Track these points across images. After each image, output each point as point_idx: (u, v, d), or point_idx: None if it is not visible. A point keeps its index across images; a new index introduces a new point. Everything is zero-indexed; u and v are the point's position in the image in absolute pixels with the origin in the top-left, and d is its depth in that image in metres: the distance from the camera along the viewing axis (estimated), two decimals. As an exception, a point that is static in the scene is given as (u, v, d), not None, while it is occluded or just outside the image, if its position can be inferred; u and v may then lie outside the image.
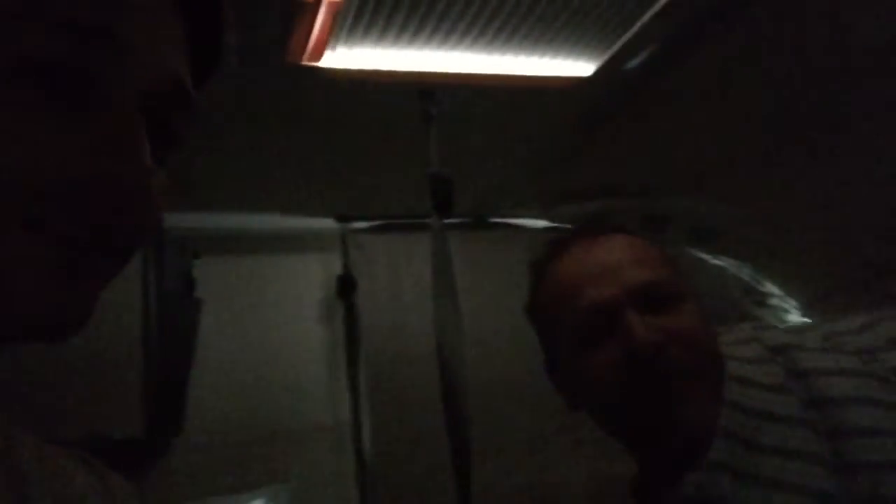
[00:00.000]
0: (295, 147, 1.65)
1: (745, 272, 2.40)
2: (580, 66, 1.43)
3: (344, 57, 1.27)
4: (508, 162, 1.87)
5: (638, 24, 1.27)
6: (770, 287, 2.39)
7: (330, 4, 1.13)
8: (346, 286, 2.05)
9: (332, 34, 1.20)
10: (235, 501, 1.78)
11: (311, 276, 2.08)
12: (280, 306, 2.00)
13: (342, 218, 2.05)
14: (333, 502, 1.96)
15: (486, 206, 2.16)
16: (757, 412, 0.71)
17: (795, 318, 2.34)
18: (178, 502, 1.72)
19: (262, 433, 1.89)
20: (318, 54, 1.24)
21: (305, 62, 1.25)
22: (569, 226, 2.20)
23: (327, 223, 2.04)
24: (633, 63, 1.42)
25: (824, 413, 0.69)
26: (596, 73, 1.44)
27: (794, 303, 2.38)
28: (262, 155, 1.67)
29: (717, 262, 2.36)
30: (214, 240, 1.89)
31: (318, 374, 2.02)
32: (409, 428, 2.03)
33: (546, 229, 2.24)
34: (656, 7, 1.21)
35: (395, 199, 2.03)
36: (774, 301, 2.39)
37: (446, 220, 1.41)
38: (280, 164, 1.73)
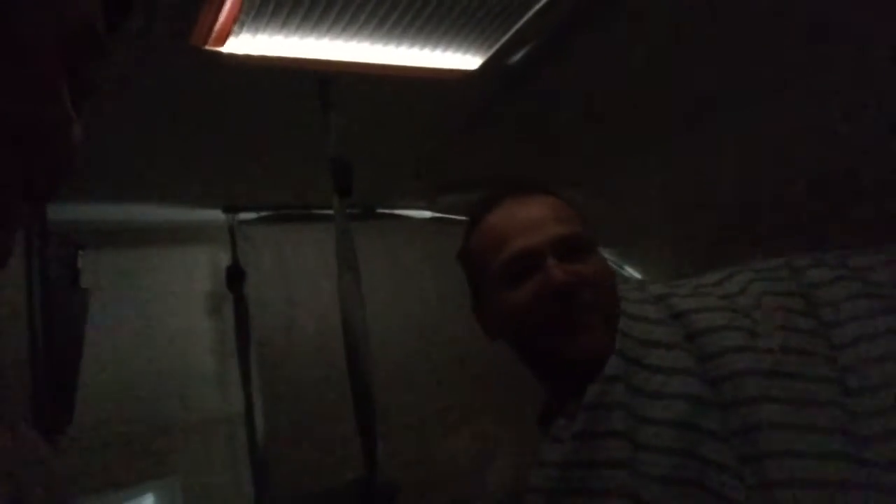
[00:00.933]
0: (185, 136, 1.64)
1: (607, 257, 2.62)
2: (467, 60, 1.54)
3: (247, 43, 1.31)
4: (396, 153, 1.95)
5: (522, 21, 1.39)
6: (630, 271, 2.63)
7: (239, -11, 1.17)
8: (234, 277, 2.04)
9: (238, 20, 1.23)
10: (126, 495, 1.75)
11: (200, 268, 2.06)
12: (169, 298, 1.98)
13: (229, 209, 2.05)
14: (226, 494, 1.96)
15: (373, 197, 2.22)
16: (644, 340, 0.88)
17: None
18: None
19: (153, 426, 1.86)
20: (221, 39, 1.27)
21: (210, 47, 1.28)
22: (454, 216, 2.31)
23: (215, 214, 2.04)
24: (516, 58, 1.55)
25: (696, 342, 0.86)
26: (482, 68, 1.56)
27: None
28: (152, 143, 1.65)
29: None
30: (101, 232, 1.84)
31: (209, 365, 2.01)
32: (300, 416, 2.07)
33: (431, 220, 2.33)
34: (539, 4, 1.34)
35: (284, 189, 2.05)
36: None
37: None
38: (169, 153, 1.71)
